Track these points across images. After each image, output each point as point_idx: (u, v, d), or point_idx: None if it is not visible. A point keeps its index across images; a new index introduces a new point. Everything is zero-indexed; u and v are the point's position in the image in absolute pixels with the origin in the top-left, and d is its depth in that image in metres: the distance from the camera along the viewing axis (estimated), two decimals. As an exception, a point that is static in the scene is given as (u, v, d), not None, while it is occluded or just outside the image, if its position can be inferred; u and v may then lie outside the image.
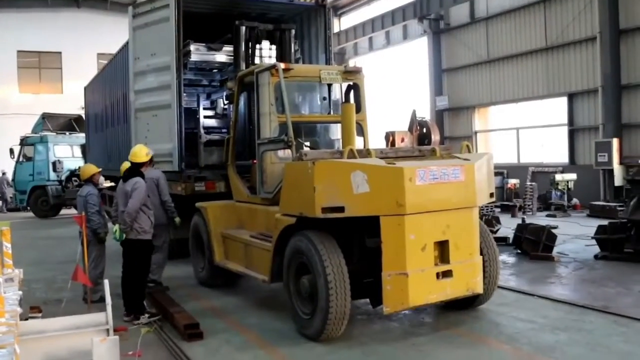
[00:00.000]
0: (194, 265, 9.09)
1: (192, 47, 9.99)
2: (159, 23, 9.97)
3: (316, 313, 5.83)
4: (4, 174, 25.18)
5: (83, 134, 20.61)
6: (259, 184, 7.52)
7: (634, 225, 9.49)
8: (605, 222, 10.44)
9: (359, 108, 7.76)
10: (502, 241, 11.04)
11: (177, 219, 8.34)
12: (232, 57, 9.90)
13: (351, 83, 8.01)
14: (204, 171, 9.73)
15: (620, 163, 16.55)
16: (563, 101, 18.72)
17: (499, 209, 15.97)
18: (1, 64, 29.96)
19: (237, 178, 8.42)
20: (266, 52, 10.07)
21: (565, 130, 18.72)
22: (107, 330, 4.51)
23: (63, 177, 21.00)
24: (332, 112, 8.59)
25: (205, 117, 10.71)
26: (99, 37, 29.41)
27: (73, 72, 30.22)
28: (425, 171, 5.58)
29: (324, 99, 8.69)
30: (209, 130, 10.50)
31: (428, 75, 23.93)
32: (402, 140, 9.21)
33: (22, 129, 23.93)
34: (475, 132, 22.33)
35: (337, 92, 8.83)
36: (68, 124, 23.28)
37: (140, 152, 7.37)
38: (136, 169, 7.23)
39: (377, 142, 9.13)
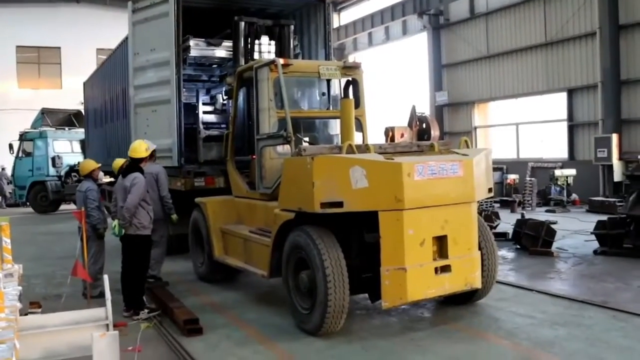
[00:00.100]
0: (193, 261, 9.10)
1: (192, 43, 9.98)
2: (158, 18, 9.96)
3: (315, 308, 5.84)
4: (3, 169, 25.16)
5: (82, 130, 20.59)
6: (258, 180, 7.52)
7: (633, 221, 9.50)
8: (604, 217, 10.45)
9: (358, 103, 7.76)
10: (501, 236, 11.06)
11: (174, 216, 8.34)
12: (232, 53, 9.89)
13: (350, 78, 8.01)
14: (203, 166, 9.73)
15: (620, 158, 16.57)
16: (562, 96, 18.71)
17: (498, 205, 15.92)
18: (0, 59, 29.90)
19: (236, 173, 8.42)
20: (265, 47, 10.06)
21: (564, 126, 18.73)
22: (107, 325, 4.51)
23: (62, 173, 20.99)
24: (331, 108, 8.60)
25: (204, 112, 10.71)
26: (98, 32, 29.33)
27: (72, 68, 30.14)
28: (423, 166, 5.59)
29: (323, 94, 8.69)
30: (208, 125, 10.50)
31: (428, 71, 23.92)
32: (402, 135, 9.18)
33: (21, 125, 23.87)
34: (475, 128, 22.32)
35: (336, 87, 8.84)
36: (67, 120, 23.26)
37: (139, 148, 7.36)
38: (135, 165, 7.22)
39: (376, 137, 9.12)
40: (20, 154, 22.17)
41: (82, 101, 19.94)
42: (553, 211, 15.61)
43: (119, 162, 7.81)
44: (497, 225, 11.81)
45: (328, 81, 8.38)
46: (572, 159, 18.35)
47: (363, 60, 9.12)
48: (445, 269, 5.79)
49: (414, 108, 13.85)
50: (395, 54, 26.80)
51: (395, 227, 5.51)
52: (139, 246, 7.04)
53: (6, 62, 30.33)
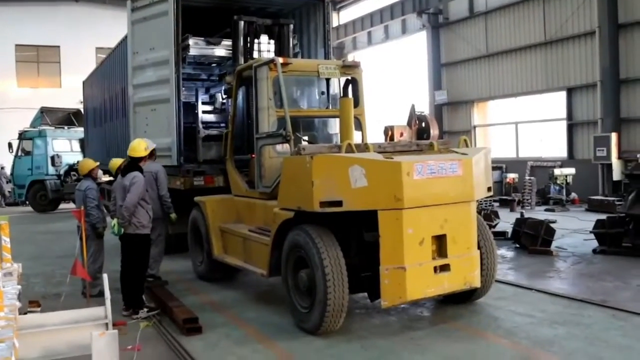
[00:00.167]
0: (192, 260, 9.10)
1: (191, 42, 9.96)
2: (157, 17, 9.95)
3: (314, 306, 5.84)
4: (2, 168, 25.14)
5: (81, 128, 20.59)
6: (257, 178, 7.51)
7: (632, 220, 9.50)
8: (603, 216, 10.46)
9: (357, 102, 7.77)
10: (500, 235, 11.07)
11: (173, 215, 8.33)
12: (231, 52, 9.87)
13: (349, 77, 8.01)
14: (203, 165, 9.72)
15: (619, 157, 16.58)
16: (562, 95, 18.72)
17: (497, 204, 15.98)
18: (-1, 58, 29.95)
19: (235, 172, 8.42)
20: (265, 46, 10.04)
21: (564, 125, 18.73)
22: (106, 324, 4.51)
23: (62, 172, 20.99)
24: (330, 107, 8.59)
25: (203, 111, 10.70)
26: (97, 31, 29.33)
27: (71, 66, 30.13)
28: (423, 165, 5.59)
29: (323, 93, 8.69)
30: (207, 125, 10.49)
31: (427, 70, 23.91)
32: (401, 134, 9.17)
33: (20, 123, 23.86)
34: (474, 127, 22.32)
35: (336, 86, 8.83)
36: (66, 118, 23.23)
37: (138, 147, 7.35)
38: (135, 164, 7.21)
39: (376, 136, 9.13)
40: (19, 153, 22.14)
41: (82, 100, 19.94)
42: (552, 210, 15.61)
43: (115, 162, 7.80)
44: (496, 224, 11.82)
45: (327, 80, 8.38)
46: (571, 158, 18.36)
47: (362, 59, 9.14)
48: (445, 268, 5.79)
49: (413, 107, 13.83)
50: (395, 53, 26.79)
51: (395, 226, 5.52)
52: (138, 245, 7.04)
53: (5, 60, 30.29)
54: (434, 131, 11.77)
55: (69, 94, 27.18)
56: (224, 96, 10.33)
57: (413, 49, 25.35)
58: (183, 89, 9.91)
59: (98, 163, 8.45)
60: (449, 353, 5.41)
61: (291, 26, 10.07)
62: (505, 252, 10.09)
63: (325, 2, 10.68)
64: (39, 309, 6.61)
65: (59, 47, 31.48)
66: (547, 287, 7.70)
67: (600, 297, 7.03)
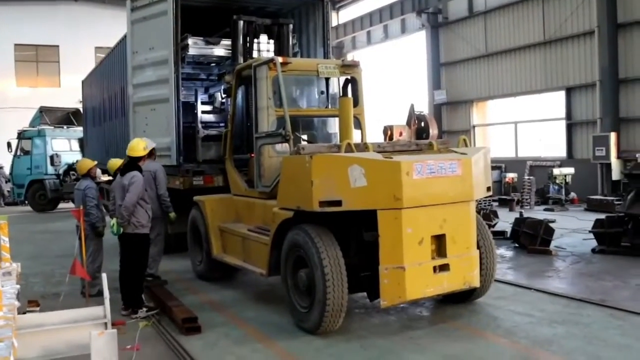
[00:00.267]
0: (191, 259, 9.09)
1: (190, 41, 9.96)
2: (157, 17, 9.94)
3: (314, 306, 5.85)
4: (1, 167, 25.11)
5: (81, 128, 20.58)
6: (256, 178, 7.51)
7: (631, 219, 9.51)
8: (602, 216, 10.46)
9: (356, 102, 7.76)
10: (500, 235, 11.07)
11: (172, 214, 8.33)
12: (230, 51, 9.87)
13: (349, 77, 8.01)
14: (202, 165, 9.72)
15: (618, 157, 16.58)
16: (561, 95, 18.72)
17: (496, 203, 15.99)
18: (-2, 57, 29.93)
19: (234, 172, 8.42)
20: (264, 46, 10.04)
21: (563, 124, 18.73)
22: (105, 324, 4.51)
23: (61, 171, 20.99)
24: (329, 106, 8.59)
25: (203, 111, 10.68)
26: (96, 31, 29.32)
27: (71, 66, 30.12)
28: (422, 165, 5.59)
29: (322, 92, 8.69)
30: (206, 124, 10.48)
31: (426, 69, 23.91)
32: (401, 134, 9.17)
33: (19, 123, 23.83)
34: (474, 126, 22.32)
35: (335, 86, 8.83)
36: (66, 118, 23.22)
37: (137, 146, 7.34)
38: (134, 163, 7.21)
39: (375, 136, 9.13)
40: (18, 153, 22.12)
41: (81, 99, 19.92)
42: (551, 210, 15.61)
43: (114, 162, 7.79)
44: (495, 224, 11.82)
45: (327, 79, 8.38)
46: (570, 158, 18.36)
47: (362, 59, 9.14)
48: (444, 267, 5.79)
49: (412, 106, 13.83)
50: (394, 53, 26.79)
51: (394, 226, 5.52)
52: (137, 245, 7.04)
53: (4, 60, 30.28)
54: (433, 131, 11.76)
55: (68, 94, 27.15)
56: (224, 96, 10.33)
57: (412, 49, 25.34)
58: (182, 88, 9.90)
59: (96, 162, 8.46)
60: (448, 352, 5.41)
61: (290, 26, 10.07)
62: (504, 251, 10.10)
63: (324, 2, 10.67)
64: (37, 308, 6.60)
65: (58, 46, 31.47)
66: (546, 286, 7.70)
67: (599, 297, 7.04)
